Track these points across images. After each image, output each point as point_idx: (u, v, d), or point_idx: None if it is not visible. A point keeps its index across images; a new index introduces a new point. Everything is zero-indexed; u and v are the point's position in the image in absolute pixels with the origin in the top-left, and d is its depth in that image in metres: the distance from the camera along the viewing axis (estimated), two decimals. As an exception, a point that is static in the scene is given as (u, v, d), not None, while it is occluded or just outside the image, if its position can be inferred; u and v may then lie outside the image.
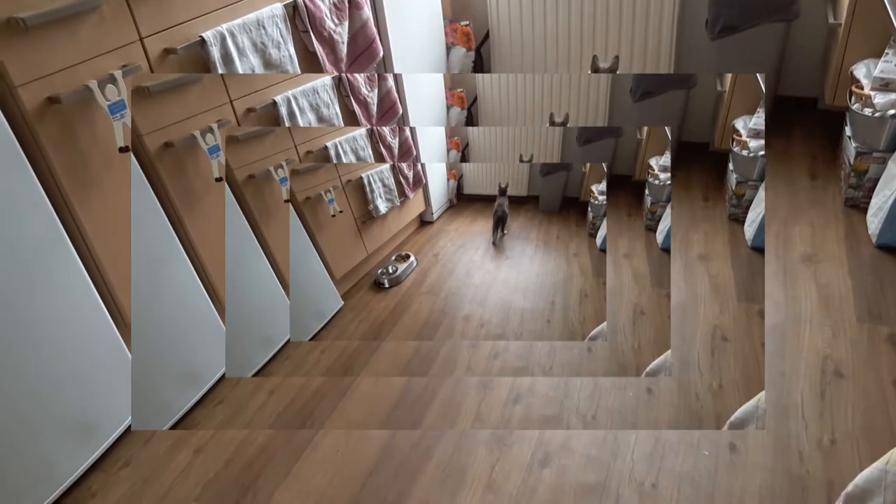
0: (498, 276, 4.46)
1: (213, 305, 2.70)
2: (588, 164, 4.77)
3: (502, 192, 4.97)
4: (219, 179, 2.69)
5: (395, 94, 3.85)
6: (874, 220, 2.73)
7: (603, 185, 4.44)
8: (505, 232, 4.96)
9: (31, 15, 1.91)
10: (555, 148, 4.76)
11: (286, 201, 3.32)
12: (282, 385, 2.83)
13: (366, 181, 4.22)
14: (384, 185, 4.36)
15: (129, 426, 2.45)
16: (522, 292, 4.23)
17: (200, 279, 2.64)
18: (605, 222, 4.38)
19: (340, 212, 3.95)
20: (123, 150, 2.12)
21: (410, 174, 4.57)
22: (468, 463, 2.28)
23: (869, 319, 2.47)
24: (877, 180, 2.85)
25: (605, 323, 3.39)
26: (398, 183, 4.47)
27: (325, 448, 2.42)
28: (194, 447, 2.46)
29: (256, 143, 3.11)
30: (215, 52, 2.50)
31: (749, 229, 3.21)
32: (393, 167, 4.43)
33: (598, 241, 4.44)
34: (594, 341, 3.24)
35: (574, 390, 2.59)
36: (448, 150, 5.00)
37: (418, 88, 4.17)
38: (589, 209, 4.64)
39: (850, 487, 1.72)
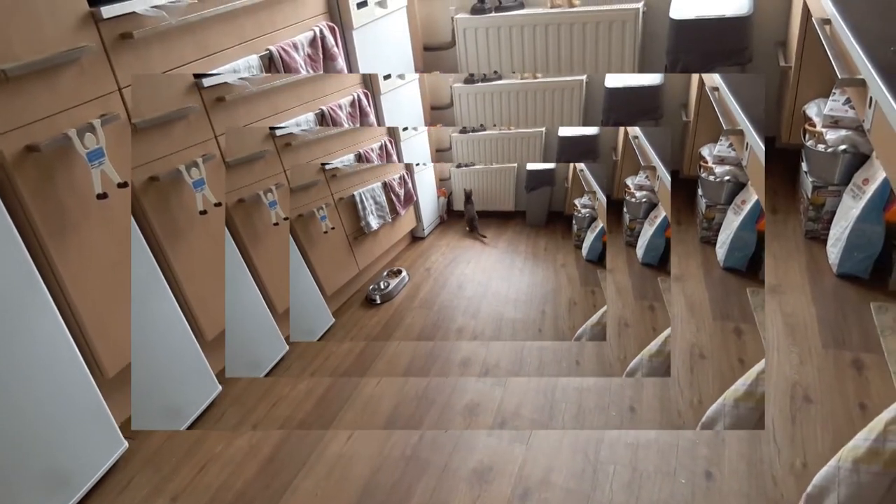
0: (489, 288, 4.40)
1: (195, 339, 2.61)
2: (570, 181, 4.76)
3: (468, 198, 5.02)
4: (203, 212, 2.62)
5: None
6: (833, 250, 2.75)
7: (585, 199, 4.42)
8: (481, 233, 5.01)
9: (12, 66, 1.88)
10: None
11: (275, 224, 3.22)
12: (265, 419, 2.71)
13: (357, 199, 4.16)
14: (376, 203, 4.31)
15: (104, 476, 2.32)
16: (514, 303, 4.17)
17: (183, 313, 2.55)
18: (589, 234, 4.37)
19: (332, 228, 3.87)
20: (101, 196, 2.06)
21: (402, 192, 4.52)
22: (449, 500, 2.18)
23: (833, 345, 2.44)
24: (834, 212, 2.89)
25: (588, 322, 3.51)
26: (389, 200, 4.41)
27: (305, 493, 2.30)
28: (171, 495, 2.34)
29: (246, 168, 3.07)
30: (194, 102, 2.44)
31: (720, 250, 3.20)
32: (384, 185, 4.37)
33: (584, 251, 4.42)
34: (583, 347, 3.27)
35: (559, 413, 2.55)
36: (437, 197, 5.12)
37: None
38: (573, 222, 4.62)
39: (809, 488, 1.75)
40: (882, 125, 1.86)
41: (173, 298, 2.48)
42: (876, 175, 2.60)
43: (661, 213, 3.52)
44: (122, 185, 2.10)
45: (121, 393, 2.37)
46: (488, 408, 2.61)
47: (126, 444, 2.35)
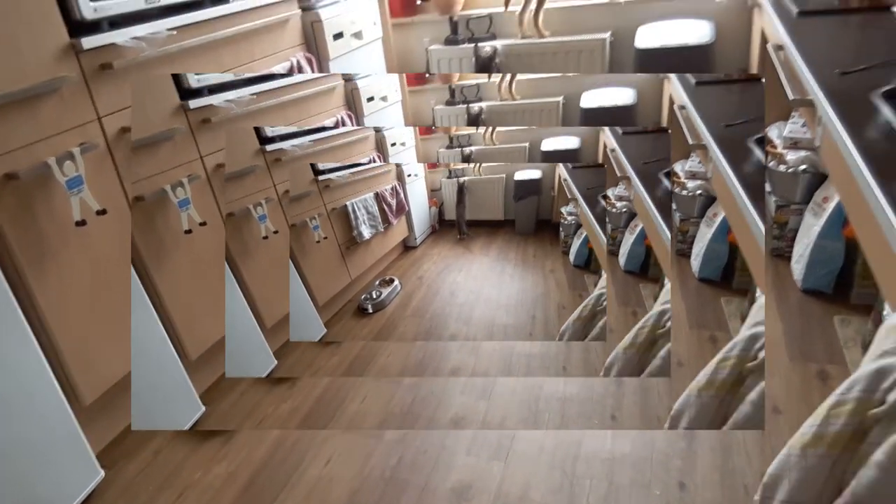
0: (481, 294, 4.39)
1: (178, 357, 2.59)
2: (556, 190, 4.83)
3: (460, 199, 5.07)
4: (188, 232, 2.63)
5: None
6: (797, 266, 2.81)
7: (571, 207, 4.46)
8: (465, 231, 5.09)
9: None
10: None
11: (264, 238, 3.24)
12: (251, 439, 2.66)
13: (350, 209, 4.18)
14: (368, 213, 4.32)
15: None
16: (505, 308, 4.16)
17: (167, 331, 2.54)
18: (575, 240, 4.41)
19: (325, 238, 3.88)
20: (80, 223, 2.06)
21: (394, 202, 4.54)
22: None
23: (800, 358, 2.46)
24: (797, 230, 2.94)
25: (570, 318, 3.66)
26: (382, 210, 4.43)
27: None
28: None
29: (237, 183, 3.08)
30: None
31: (695, 262, 3.22)
32: (377, 196, 4.38)
33: (571, 257, 4.45)
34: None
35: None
36: (429, 207, 5.15)
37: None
38: (560, 229, 4.64)
39: (764, 478, 1.80)
40: (829, 142, 1.96)
41: (156, 317, 2.48)
42: (834, 193, 2.64)
43: (640, 223, 3.54)
44: (101, 213, 2.11)
45: (98, 421, 2.35)
46: (473, 420, 2.63)
47: (102, 473, 2.29)
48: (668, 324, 2.95)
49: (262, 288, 3.18)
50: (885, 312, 2.14)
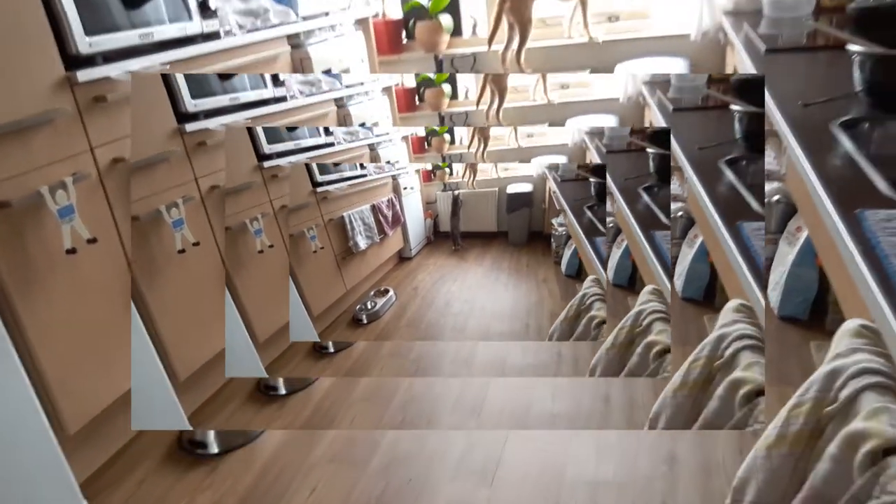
0: (475, 304, 4.44)
1: (167, 378, 2.58)
2: (547, 203, 4.94)
3: (455, 212, 5.12)
4: (181, 251, 2.66)
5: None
6: (774, 294, 2.81)
7: (561, 219, 4.54)
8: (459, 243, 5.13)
9: None
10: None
11: (259, 252, 3.28)
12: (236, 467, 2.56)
13: (347, 220, 4.24)
14: (364, 224, 4.38)
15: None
16: (499, 317, 4.23)
17: (157, 351, 2.54)
18: (566, 251, 4.47)
19: (322, 248, 3.92)
20: (70, 251, 2.09)
21: (390, 214, 4.59)
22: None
23: (777, 382, 2.43)
24: (772, 259, 2.90)
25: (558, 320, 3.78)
26: (378, 222, 4.48)
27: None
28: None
29: (233, 198, 3.13)
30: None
31: (678, 282, 3.23)
32: (373, 207, 4.43)
33: (563, 267, 4.51)
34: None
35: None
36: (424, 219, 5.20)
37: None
38: (552, 240, 4.70)
39: (734, 482, 1.87)
40: (793, 171, 2.07)
41: (146, 336, 2.51)
42: (806, 222, 2.71)
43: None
44: (91, 241, 2.14)
45: (83, 450, 2.31)
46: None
47: (86, 503, 2.20)
48: (645, 322, 3.10)
49: (255, 302, 3.21)
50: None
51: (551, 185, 4.63)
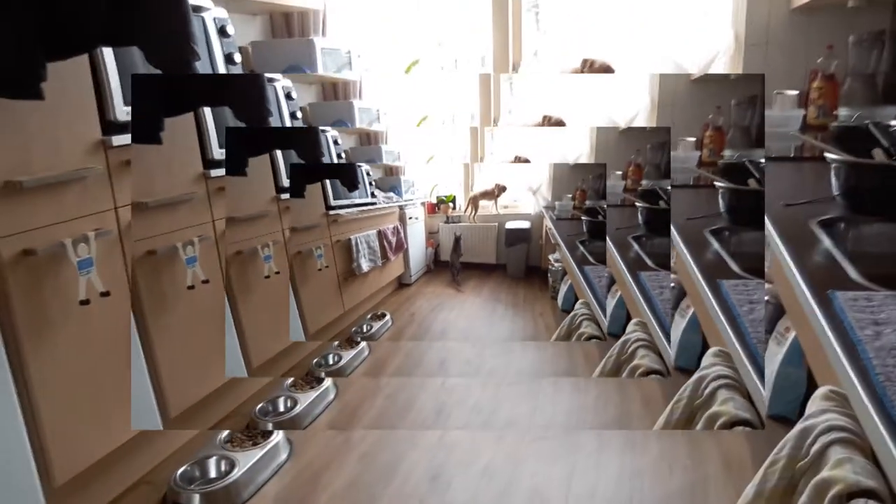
0: (472, 334, 4.49)
1: (158, 416, 2.61)
2: (544, 239, 5.10)
3: (456, 244, 5.28)
4: (191, 287, 2.74)
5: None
6: (764, 393, 2.82)
7: (557, 255, 4.69)
8: (459, 284, 5.26)
9: (28, 179, 1.97)
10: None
11: (266, 277, 3.34)
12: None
13: (353, 242, 4.34)
14: (369, 248, 4.47)
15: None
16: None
17: (152, 385, 2.56)
18: (562, 286, 4.56)
19: (326, 267, 4.01)
20: (84, 302, 2.16)
21: (394, 240, 4.66)
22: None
23: None
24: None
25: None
26: (382, 247, 4.57)
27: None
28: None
29: (248, 224, 3.28)
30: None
31: (672, 351, 3.28)
32: (379, 233, 4.50)
33: (559, 302, 4.60)
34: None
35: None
36: (426, 248, 5.43)
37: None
38: (549, 275, 4.83)
39: None
40: (777, 265, 2.23)
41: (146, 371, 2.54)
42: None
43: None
44: (105, 294, 2.22)
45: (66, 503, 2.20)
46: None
47: None
48: (630, 349, 3.26)
49: (255, 328, 3.27)
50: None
51: (548, 222, 4.79)
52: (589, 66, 4.16)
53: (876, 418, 1.73)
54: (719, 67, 3.90)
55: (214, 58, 2.81)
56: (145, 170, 2.50)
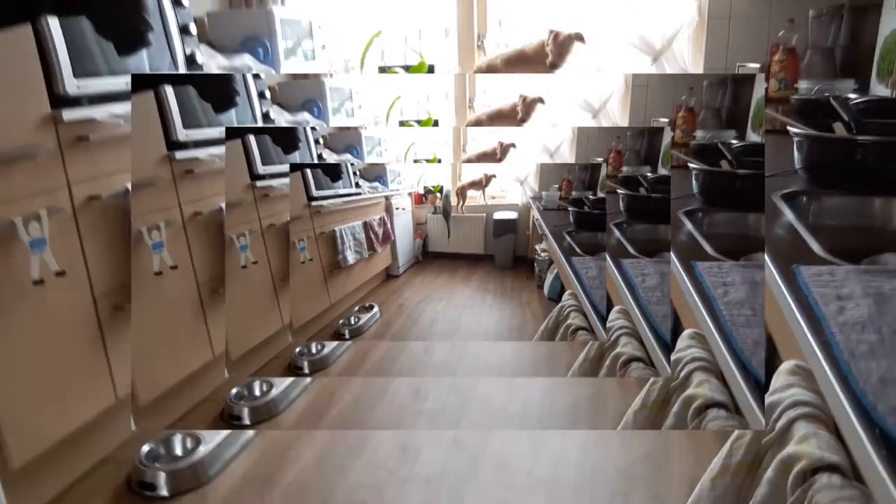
0: (461, 324, 4.45)
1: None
2: (531, 229, 5.08)
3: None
4: (158, 273, 2.68)
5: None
6: None
7: (544, 245, 4.70)
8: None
9: None
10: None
11: (243, 267, 3.27)
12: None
13: (338, 234, 4.25)
14: (355, 239, 4.41)
15: None
16: (483, 337, 4.24)
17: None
18: (548, 275, 4.58)
19: (310, 260, 3.92)
20: (38, 282, 2.10)
21: (381, 231, 4.60)
22: None
23: None
24: None
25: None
26: (368, 238, 4.50)
27: None
28: None
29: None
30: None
31: None
32: (365, 224, 4.43)
33: (545, 290, 4.61)
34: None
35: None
36: (414, 239, 5.32)
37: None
38: (535, 265, 4.83)
39: None
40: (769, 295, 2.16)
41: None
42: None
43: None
44: (60, 274, 2.16)
45: (23, 487, 2.14)
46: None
47: None
48: (612, 336, 3.18)
49: (232, 319, 3.20)
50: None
51: (535, 213, 4.73)
52: (554, 38, 4.06)
53: (840, 393, 1.70)
54: (683, 41, 3.88)
55: (169, 29, 2.70)
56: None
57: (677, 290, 2.84)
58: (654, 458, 2.46)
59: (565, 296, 3.98)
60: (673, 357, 2.63)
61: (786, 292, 1.95)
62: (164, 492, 2.31)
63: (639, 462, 2.45)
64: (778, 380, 2.03)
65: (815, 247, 2.11)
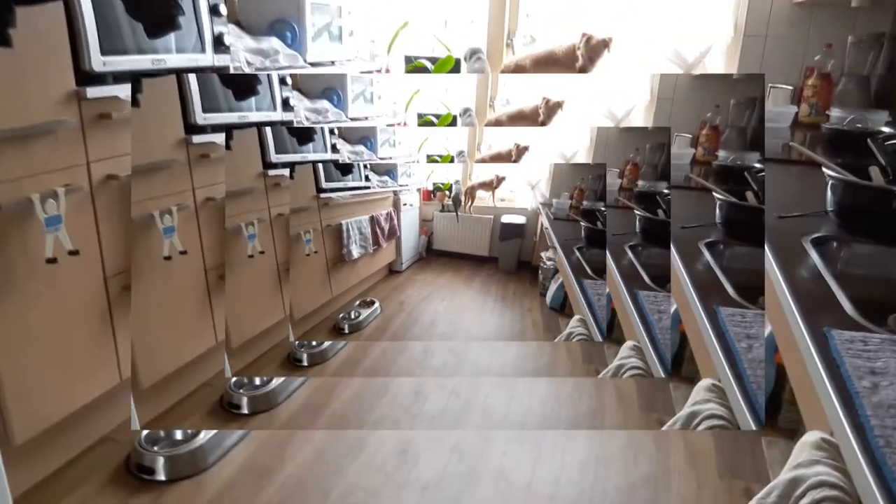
0: (461, 326, 4.39)
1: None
2: (538, 235, 5.00)
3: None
4: (167, 258, 2.66)
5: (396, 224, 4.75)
6: None
7: (550, 253, 4.63)
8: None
9: None
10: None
11: (250, 256, 3.24)
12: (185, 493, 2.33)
13: (344, 227, 4.22)
14: (360, 233, 4.37)
15: None
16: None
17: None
18: (552, 284, 4.49)
19: (315, 252, 3.89)
20: (51, 261, 2.07)
21: (387, 226, 4.58)
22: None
23: (728, 475, 2.42)
24: None
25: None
26: (374, 233, 4.47)
27: None
28: None
29: (234, 201, 3.12)
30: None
31: None
32: (371, 219, 4.40)
33: (548, 300, 4.52)
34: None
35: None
36: (419, 236, 5.29)
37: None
38: (539, 272, 4.75)
39: None
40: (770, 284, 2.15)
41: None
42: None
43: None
44: (73, 253, 2.13)
45: (25, 463, 2.16)
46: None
47: None
48: (624, 376, 3.13)
49: (236, 307, 3.18)
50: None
51: (544, 220, 4.69)
52: (587, 41, 4.01)
53: (872, 482, 1.59)
54: (716, 56, 3.83)
55: (199, 9, 2.65)
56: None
57: (695, 333, 2.74)
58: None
59: (573, 321, 3.88)
60: (688, 410, 2.56)
61: (816, 357, 1.83)
62: (161, 476, 2.31)
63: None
64: (802, 453, 1.93)
65: (846, 304, 1.99)
